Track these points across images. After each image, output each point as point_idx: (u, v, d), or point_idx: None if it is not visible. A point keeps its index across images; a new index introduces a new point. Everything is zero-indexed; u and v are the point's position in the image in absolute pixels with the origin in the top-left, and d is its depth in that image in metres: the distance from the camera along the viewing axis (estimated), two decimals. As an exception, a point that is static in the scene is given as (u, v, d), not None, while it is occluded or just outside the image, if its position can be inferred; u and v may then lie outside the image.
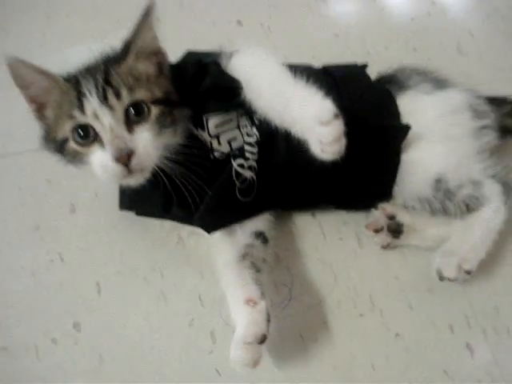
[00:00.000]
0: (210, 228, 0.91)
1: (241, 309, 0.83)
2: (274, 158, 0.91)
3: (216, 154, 0.89)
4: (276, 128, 0.87)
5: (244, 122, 0.91)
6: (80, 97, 0.80)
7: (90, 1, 1.28)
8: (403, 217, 1.03)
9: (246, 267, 0.89)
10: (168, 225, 0.96)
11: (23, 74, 0.81)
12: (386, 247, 1.04)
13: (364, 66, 1.07)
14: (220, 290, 0.92)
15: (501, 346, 0.99)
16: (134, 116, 0.81)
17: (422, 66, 1.08)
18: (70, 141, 0.81)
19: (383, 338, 0.97)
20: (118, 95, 0.80)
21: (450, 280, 0.96)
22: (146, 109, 0.82)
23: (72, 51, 1.20)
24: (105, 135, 0.79)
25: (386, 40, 1.32)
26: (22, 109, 1.04)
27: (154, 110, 0.82)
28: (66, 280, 0.95)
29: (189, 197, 0.84)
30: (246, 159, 0.89)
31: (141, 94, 0.82)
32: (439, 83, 1.07)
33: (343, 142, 0.78)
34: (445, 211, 1.02)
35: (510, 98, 1.15)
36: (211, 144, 0.89)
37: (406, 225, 1.03)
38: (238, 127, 0.91)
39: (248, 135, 0.90)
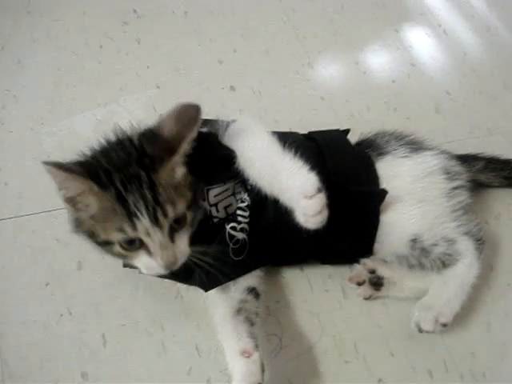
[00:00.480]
0: (206, 287, 0.97)
1: (237, 360, 0.90)
2: (264, 220, 0.98)
3: (214, 220, 0.96)
4: (265, 194, 0.94)
5: (238, 188, 0.98)
6: (130, 216, 0.81)
7: (95, 70, 1.37)
8: (383, 271, 1.10)
9: (241, 321, 0.95)
10: (168, 281, 1.03)
11: (56, 177, 0.80)
12: (368, 299, 1.10)
13: (346, 132, 1.15)
14: (215, 341, 0.97)
15: None
16: (175, 225, 0.85)
17: (399, 131, 1.15)
18: (115, 245, 0.84)
19: (367, 383, 1.02)
20: (165, 214, 0.83)
21: (427, 332, 1.02)
22: (182, 222, 0.86)
23: (79, 118, 1.28)
24: (154, 249, 0.83)
25: (369, 101, 1.41)
26: (32, 172, 1.15)
27: (189, 216, 0.87)
28: (74, 333, 1.00)
29: None
30: (239, 222, 0.96)
31: (181, 207, 0.85)
32: (415, 146, 1.12)
33: (325, 213, 0.85)
34: (421, 266, 1.08)
35: (481, 155, 1.23)
36: (210, 212, 0.95)
37: (385, 278, 1.10)
38: (233, 194, 0.97)
39: (241, 201, 0.97)
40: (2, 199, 1.14)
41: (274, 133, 0.98)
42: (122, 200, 0.81)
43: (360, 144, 1.15)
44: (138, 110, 1.30)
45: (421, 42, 1.58)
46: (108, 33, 1.45)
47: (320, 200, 0.85)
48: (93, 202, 0.82)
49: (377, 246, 1.08)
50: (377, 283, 1.10)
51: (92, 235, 0.85)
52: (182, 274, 0.93)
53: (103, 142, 0.88)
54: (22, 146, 1.22)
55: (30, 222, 1.12)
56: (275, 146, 0.94)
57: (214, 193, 0.95)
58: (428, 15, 1.65)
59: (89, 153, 0.87)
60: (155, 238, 0.83)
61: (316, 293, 1.10)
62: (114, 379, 0.97)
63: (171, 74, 1.40)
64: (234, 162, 0.95)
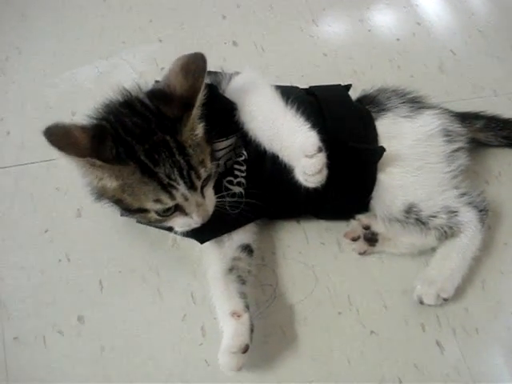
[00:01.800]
0: (201, 238, 0.99)
1: (227, 320, 0.92)
2: (261, 174, 0.99)
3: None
4: (264, 149, 0.95)
5: (238, 143, 0.98)
6: (166, 187, 0.82)
7: (98, 23, 1.37)
8: (377, 227, 1.11)
9: (233, 281, 0.97)
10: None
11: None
12: (362, 254, 1.12)
13: (348, 87, 1.14)
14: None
15: (469, 345, 1.06)
16: (204, 182, 0.88)
17: (401, 87, 1.14)
18: (150, 212, 0.85)
19: (359, 335, 1.05)
20: (198, 177, 0.85)
21: (429, 306, 1.05)
22: (209, 174, 0.88)
23: (81, 70, 1.28)
24: (190, 209, 0.86)
25: (372, 59, 1.41)
26: (34, 122, 1.16)
27: (213, 169, 0.89)
28: (72, 278, 1.02)
29: None
30: (235, 176, 0.97)
31: (209, 164, 0.87)
32: (416, 105, 1.11)
33: (325, 173, 0.86)
34: (418, 229, 1.08)
35: (482, 114, 1.22)
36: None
37: (380, 234, 1.12)
38: (235, 149, 0.98)
39: (238, 155, 0.98)
40: (4, 148, 1.16)
41: (277, 87, 0.98)
42: (149, 172, 0.82)
43: (361, 100, 1.15)
44: (139, 63, 1.30)
45: (427, 1, 1.56)
46: (111, -14, 1.44)
47: (320, 159, 0.85)
48: (113, 179, 0.82)
49: (373, 204, 1.09)
50: (371, 239, 1.12)
51: (119, 202, 0.86)
52: None
53: (111, 104, 0.87)
54: (25, 96, 1.24)
55: (30, 171, 1.14)
56: (278, 102, 0.95)
57: (217, 147, 0.94)
58: (437, -26, 1.63)
59: (101, 116, 0.86)
60: (192, 200, 0.86)
61: (312, 245, 1.12)
62: (109, 323, 1.00)
63: (174, 28, 1.40)
64: (234, 115, 0.95)
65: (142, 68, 1.28)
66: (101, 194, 0.87)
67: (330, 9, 1.50)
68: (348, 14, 1.51)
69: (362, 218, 1.12)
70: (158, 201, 0.83)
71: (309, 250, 1.11)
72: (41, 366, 0.96)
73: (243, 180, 0.99)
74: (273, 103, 0.95)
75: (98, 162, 0.78)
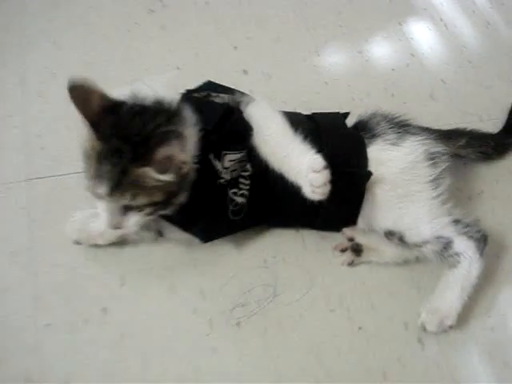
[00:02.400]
0: (205, 239, 1.14)
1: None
2: (263, 189, 1.12)
3: (221, 180, 1.08)
4: (267, 166, 1.09)
5: (245, 158, 1.11)
6: (97, 172, 0.96)
7: (124, 52, 1.53)
8: (360, 239, 1.23)
9: None
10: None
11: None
12: (350, 264, 1.23)
13: (346, 115, 1.27)
14: (218, 287, 1.16)
15: (447, 342, 1.16)
16: (132, 207, 0.99)
17: (391, 113, 1.25)
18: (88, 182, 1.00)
19: (348, 330, 1.15)
20: (122, 195, 0.96)
21: (432, 333, 1.14)
22: (139, 208, 1.00)
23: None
24: (102, 208, 1.01)
25: (369, 87, 1.55)
26: (67, 139, 1.31)
27: (148, 210, 1.00)
28: (98, 274, 1.16)
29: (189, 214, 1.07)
30: (240, 189, 1.10)
31: (141, 201, 0.98)
32: (402, 131, 1.20)
33: (328, 187, 1.00)
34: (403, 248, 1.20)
35: (462, 130, 1.35)
36: (220, 173, 1.07)
37: (364, 245, 1.23)
38: (241, 162, 1.10)
39: (244, 170, 1.11)
40: (40, 161, 1.31)
41: (285, 113, 1.13)
42: (100, 157, 0.96)
43: (357, 125, 1.26)
44: (160, 88, 1.45)
45: (422, 34, 1.71)
46: (136, 19, 1.61)
47: (326, 174, 1.00)
48: (88, 141, 0.98)
49: (360, 219, 1.21)
50: (357, 249, 1.23)
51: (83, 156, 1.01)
52: (185, 224, 1.11)
53: (141, 99, 1.04)
54: (59, 116, 1.39)
55: (64, 181, 1.28)
56: (287, 129, 1.09)
57: (229, 158, 1.07)
58: (431, 10, 1.78)
59: (123, 98, 1.03)
60: (105, 205, 1.00)
61: (309, 251, 1.25)
62: (128, 314, 1.13)
63: (191, 57, 1.55)
64: (250, 136, 1.10)
65: (161, 92, 1.44)
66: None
67: (332, 41, 1.65)
68: (348, 45, 1.65)
69: (346, 231, 1.24)
70: (89, 175, 0.98)
71: (306, 256, 1.24)
72: (69, 349, 1.09)
73: (246, 192, 1.12)
74: (283, 131, 1.09)
75: (90, 130, 0.96)
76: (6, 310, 1.12)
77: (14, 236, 1.20)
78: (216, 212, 1.11)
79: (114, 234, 1.16)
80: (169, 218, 1.11)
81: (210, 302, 1.16)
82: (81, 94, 0.95)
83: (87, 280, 1.16)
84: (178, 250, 1.21)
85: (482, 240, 1.17)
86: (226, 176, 1.09)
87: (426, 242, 1.16)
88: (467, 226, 1.17)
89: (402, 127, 1.22)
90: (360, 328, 1.17)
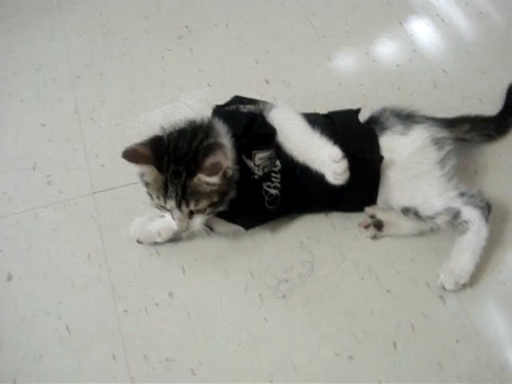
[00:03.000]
0: (247, 226, 1.34)
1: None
2: (292, 180, 1.30)
3: (255, 176, 1.27)
4: (293, 161, 1.27)
5: (274, 155, 1.29)
6: (166, 195, 1.19)
7: (160, 76, 1.74)
8: (381, 215, 1.40)
9: None
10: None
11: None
12: (374, 238, 1.40)
13: (358, 110, 1.42)
14: (264, 267, 1.36)
15: (466, 296, 1.31)
16: (195, 211, 1.21)
17: (398, 107, 1.40)
18: (154, 200, 1.22)
19: (378, 294, 1.33)
20: (187, 204, 1.18)
21: (451, 291, 1.31)
22: (202, 211, 1.21)
23: (151, 113, 1.65)
24: (173, 217, 1.22)
25: (377, 83, 1.72)
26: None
27: (208, 210, 1.21)
28: (162, 265, 1.37)
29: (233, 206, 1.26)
30: (272, 182, 1.29)
31: (202, 205, 1.19)
32: (408, 121, 1.35)
33: (348, 173, 1.18)
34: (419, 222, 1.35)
35: (465, 116, 1.49)
36: (253, 170, 1.26)
37: (384, 220, 1.39)
38: (270, 159, 1.29)
39: (275, 166, 1.29)
40: (101, 176, 1.53)
41: (304, 114, 1.32)
42: (165, 183, 1.18)
43: (369, 120, 1.41)
44: (195, 104, 1.67)
45: (421, 30, 1.88)
46: (167, 46, 1.83)
47: (345, 163, 1.18)
48: (152, 176, 1.20)
49: (379, 199, 1.38)
50: (378, 225, 1.40)
51: (146, 186, 1.24)
52: (229, 216, 1.30)
53: (183, 125, 1.26)
54: (112, 137, 1.61)
55: (123, 192, 1.49)
56: (306, 127, 1.28)
57: (259, 156, 1.26)
58: (428, 7, 1.95)
59: (168, 129, 1.25)
60: (175, 214, 1.21)
61: (338, 230, 1.43)
62: (192, 296, 1.33)
63: (219, 74, 1.75)
64: (275, 136, 1.29)
65: (197, 108, 1.65)
66: (141, 177, 1.24)
67: (341, 46, 1.84)
68: (355, 48, 1.84)
69: (368, 209, 1.41)
70: (158, 197, 1.21)
71: (335, 234, 1.42)
72: (145, 329, 1.29)
73: (278, 185, 1.30)
74: (303, 128, 1.28)
75: (155, 171, 1.18)
76: (89, 303, 1.33)
77: (89, 241, 1.42)
78: (255, 203, 1.30)
79: (169, 233, 1.37)
80: (217, 213, 1.30)
81: (258, 280, 1.35)
82: (132, 154, 1.17)
83: (153, 271, 1.37)
84: (226, 240, 1.41)
85: (487, 208, 1.32)
86: (259, 172, 1.27)
87: (437, 214, 1.30)
88: (472, 196, 1.31)
89: (409, 118, 1.37)
90: (388, 291, 1.34)
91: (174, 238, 1.40)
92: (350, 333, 1.29)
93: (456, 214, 1.30)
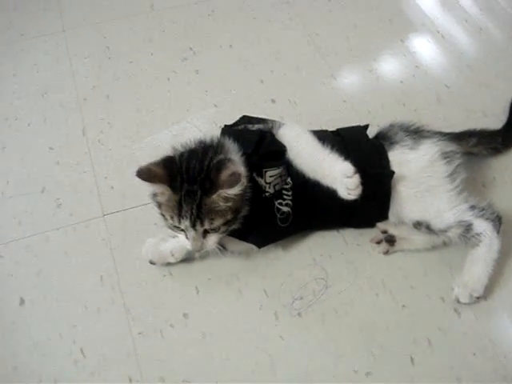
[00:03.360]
0: (259, 244, 1.34)
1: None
2: (304, 197, 1.31)
3: (266, 194, 1.27)
4: (304, 178, 1.28)
5: (284, 173, 1.30)
6: (180, 215, 1.18)
7: (167, 97, 1.75)
8: (393, 230, 1.40)
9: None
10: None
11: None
12: (386, 253, 1.41)
13: (366, 126, 1.44)
14: (278, 286, 1.35)
15: (481, 309, 1.31)
16: (210, 230, 1.21)
17: (406, 122, 1.42)
18: (168, 220, 1.22)
19: (393, 309, 1.32)
20: (202, 224, 1.18)
21: (465, 304, 1.31)
22: (216, 230, 1.21)
23: (159, 135, 1.65)
24: (188, 236, 1.22)
25: (382, 100, 1.74)
26: (130, 177, 1.52)
27: (222, 228, 1.21)
28: (175, 286, 1.36)
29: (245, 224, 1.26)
30: (284, 199, 1.29)
31: (217, 223, 1.19)
32: (417, 136, 1.36)
33: (360, 188, 1.19)
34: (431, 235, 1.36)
35: (471, 131, 1.50)
36: (264, 187, 1.26)
37: (396, 235, 1.40)
38: (281, 176, 1.29)
39: (286, 183, 1.30)
40: (111, 199, 1.53)
41: (314, 132, 1.33)
42: (179, 203, 1.18)
43: (378, 136, 1.42)
44: (202, 125, 1.68)
45: (423, 47, 1.91)
46: (172, 68, 1.84)
47: (357, 178, 1.19)
48: (165, 196, 1.19)
49: (390, 213, 1.39)
50: (390, 240, 1.41)
51: (159, 207, 1.23)
52: (242, 234, 1.30)
53: (193, 145, 1.27)
54: (120, 159, 1.61)
55: (133, 214, 1.50)
56: (316, 143, 1.29)
57: (270, 174, 1.26)
58: (428, 24, 1.98)
59: (179, 150, 1.26)
60: (190, 234, 1.21)
61: (350, 247, 1.43)
62: (206, 317, 1.32)
63: (225, 94, 1.76)
64: (285, 153, 1.30)
65: (204, 128, 1.66)
66: (154, 198, 1.23)
67: (345, 64, 1.86)
68: (359, 66, 1.86)
69: (380, 225, 1.42)
70: (172, 218, 1.20)
71: (348, 251, 1.42)
72: (160, 351, 1.28)
73: (290, 202, 1.30)
74: (313, 144, 1.29)
75: (169, 190, 1.17)
76: (104, 325, 1.32)
77: (101, 263, 1.41)
78: (267, 221, 1.30)
79: (182, 253, 1.37)
80: (229, 232, 1.29)
81: (273, 299, 1.35)
82: (146, 173, 1.17)
83: (167, 292, 1.36)
84: (239, 259, 1.41)
85: (497, 220, 1.33)
86: (270, 190, 1.27)
87: (450, 227, 1.31)
88: (483, 209, 1.32)
89: (417, 133, 1.39)
90: (403, 306, 1.34)
91: (187, 259, 1.40)
92: (367, 349, 1.28)
93: (468, 227, 1.31)
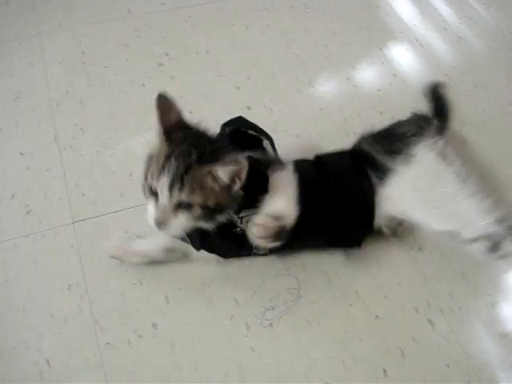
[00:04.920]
0: (224, 257, 1.34)
1: None
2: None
3: (238, 229, 1.20)
4: None
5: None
6: (162, 170, 1.07)
7: (141, 103, 1.72)
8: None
9: None
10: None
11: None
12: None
13: (347, 152, 1.37)
14: (250, 295, 1.33)
15: (455, 320, 1.31)
16: (184, 206, 1.08)
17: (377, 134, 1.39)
18: (147, 182, 1.11)
19: (367, 319, 1.31)
20: (180, 188, 1.06)
21: None
22: (191, 207, 1.09)
23: (132, 141, 1.63)
24: (156, 203, 1.09)
25: (359, 108, 1.73)
26: (101, 184, 1.50)
27: (197, 211, 1.09)
28: (144, 295, 1.33)
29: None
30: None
31: (195, 199, 1.07)
32: (405, 149, 1.27)
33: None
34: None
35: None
36: (236, 222, 1.19)
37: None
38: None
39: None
40: (81, 205, 1.49)
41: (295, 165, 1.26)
42: (169, 157, 1.08)
43: (356, 151, 1.35)
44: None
45: (401, 55, 1.91)
46: (148, 73, 1.82)
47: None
48: (159, 148, 1.12)
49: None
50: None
51: (147, 162, 1.15)
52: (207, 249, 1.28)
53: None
54: (92, 165, 1.58)
55: (104, 220, 1.46)
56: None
57: (246, 213, 1.18)
58: (406, 32, 1.99)
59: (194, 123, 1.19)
60: (161, 199, 1.08)
61: (324, 256, 1.41)
62: (176, 327, 1.30)
63: (200, 101, 1.74)
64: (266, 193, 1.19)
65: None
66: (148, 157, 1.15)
67: (322, 72, 1.85)
68: (336, 74, 1.85)
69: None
70: (152, 175, 1.10)
71: (322, 260, 1.40)
72: (128, 362, 1.25)
73: None
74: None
75: (163, 136, 1.11)
76: (71, 335, 1.29)
77: (69, 272, 1.38)
78: (232, 249, 1.29)
79: (146, 255, 1.35)
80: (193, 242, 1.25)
81: (244, 309, 1.32)
82: (164, 105, 1.11)
83: (136, 301, 1.33)
84: (210, 268, 1.38)
85: None
86: (243, 226, 1.20)
87: (478, 238, 1.24)
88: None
89: (404, 142, 1.30)
90: (376, 316, 1.33)
91: (157, 266, 1.38)
92: (339, 360, 1.27)
93: (496, 244, 1.25)
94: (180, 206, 1.09)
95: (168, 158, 1.09)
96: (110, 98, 1.75)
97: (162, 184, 1.08)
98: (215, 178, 1.08)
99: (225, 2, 2.05)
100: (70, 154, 1.61)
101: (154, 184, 1.10)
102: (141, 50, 1.90)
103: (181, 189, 1.07)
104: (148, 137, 1.63)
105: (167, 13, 2.01)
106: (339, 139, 1.62)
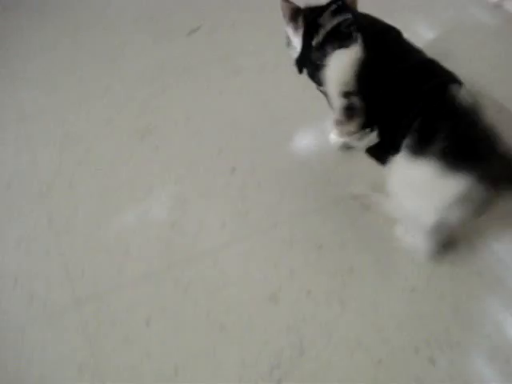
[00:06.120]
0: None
1: None
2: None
3: None
4: None
5: None
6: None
7: (128, 175, 1.78)
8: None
9: None
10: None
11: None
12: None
13: None
14: (256, 353, 1.37)
15: (455, 355, 1.34)
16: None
17: None
18: None
19: (370, 365, 1.33)
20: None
21: None
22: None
23: (124, 216, 1.68)
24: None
25: (340, 158, 1.78)
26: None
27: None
28: (155, 368, 1.37)
29: None
30: None
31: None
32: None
33: None
34: None
35: None
36: None
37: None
38: None
39: None
40: (82, 285, 1.53)
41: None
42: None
43: None
44: (167, 201, 1.72)
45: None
46: (132, 146, 1.89)
47: None
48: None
49: None
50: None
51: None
52: None
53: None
54: (88, 245, 1.62)
55: (106, 297, 1.50)
56: None
57: None
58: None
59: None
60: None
61: (321, 307, 1.45)
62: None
63: (185, 168, 1.80)
64: None
65: (169, 204, 1.70)
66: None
67: (299, 127, 1.93)
68: (312, 128, 1.93)
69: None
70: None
71: (319, 312, 1.44)
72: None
73: None
74: None
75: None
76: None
77: (78, 352, 1.41)
78: None
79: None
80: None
81: (251, 370, 1.35)
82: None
83: (144, 376, 1.36)
84: (214, 331, 1.42)
85: None
86: None
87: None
88: None
89: None
90: (379, 361, 1.35)
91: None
92: (347, 408, 1.29)
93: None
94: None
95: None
96: (98, 176, 1.81)
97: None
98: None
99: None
100: (65, 236, 1.66)
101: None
102: (122, 124, 1.98)
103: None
104: (140, 210, 1.69)
105: (142, 91, 2.11)
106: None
